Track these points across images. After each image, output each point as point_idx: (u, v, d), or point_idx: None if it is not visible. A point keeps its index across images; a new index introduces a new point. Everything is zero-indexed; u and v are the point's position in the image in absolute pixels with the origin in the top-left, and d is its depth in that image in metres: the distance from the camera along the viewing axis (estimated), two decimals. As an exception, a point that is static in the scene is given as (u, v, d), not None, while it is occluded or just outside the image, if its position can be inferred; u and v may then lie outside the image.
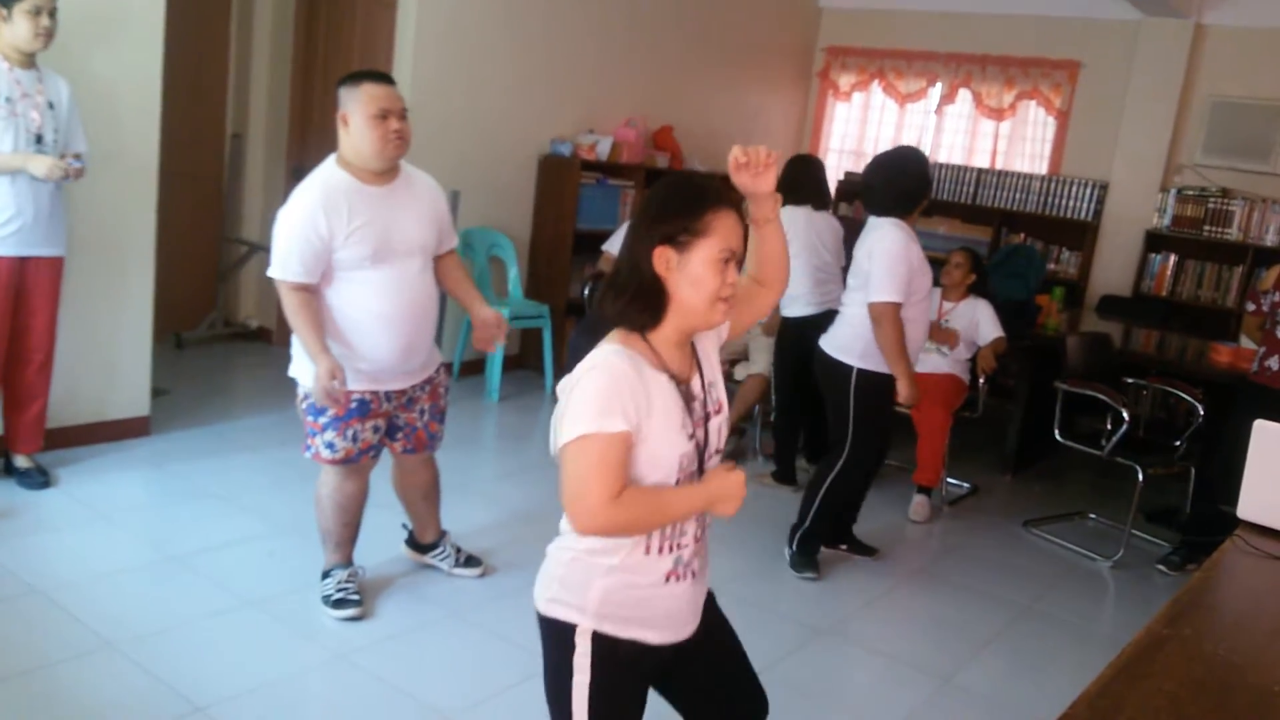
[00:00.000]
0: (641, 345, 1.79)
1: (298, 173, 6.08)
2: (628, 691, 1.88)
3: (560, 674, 1.83)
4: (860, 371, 3.82)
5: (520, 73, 6.03)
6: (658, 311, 1.78)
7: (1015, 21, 7.32)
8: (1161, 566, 4.49)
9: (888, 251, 3.73)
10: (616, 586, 1.80)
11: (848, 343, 3.86)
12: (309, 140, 6.15)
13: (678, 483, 1.78)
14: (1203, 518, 4.47)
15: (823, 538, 4.09)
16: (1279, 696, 1.68)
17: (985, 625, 3.82)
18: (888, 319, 3.71)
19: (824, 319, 4.22)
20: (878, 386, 3.81)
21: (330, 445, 3.14)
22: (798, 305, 4.78)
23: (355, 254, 2.99)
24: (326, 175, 3.02)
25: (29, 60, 3.63)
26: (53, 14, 3.61)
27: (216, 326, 6.30)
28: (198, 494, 4.11)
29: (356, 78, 3.04)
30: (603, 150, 6.29)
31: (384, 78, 3.06)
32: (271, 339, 6.34)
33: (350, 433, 3.14)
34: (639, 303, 1.78)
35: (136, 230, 4.41)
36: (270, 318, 6.39)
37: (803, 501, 4.05)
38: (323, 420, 3.12)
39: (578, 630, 1.81)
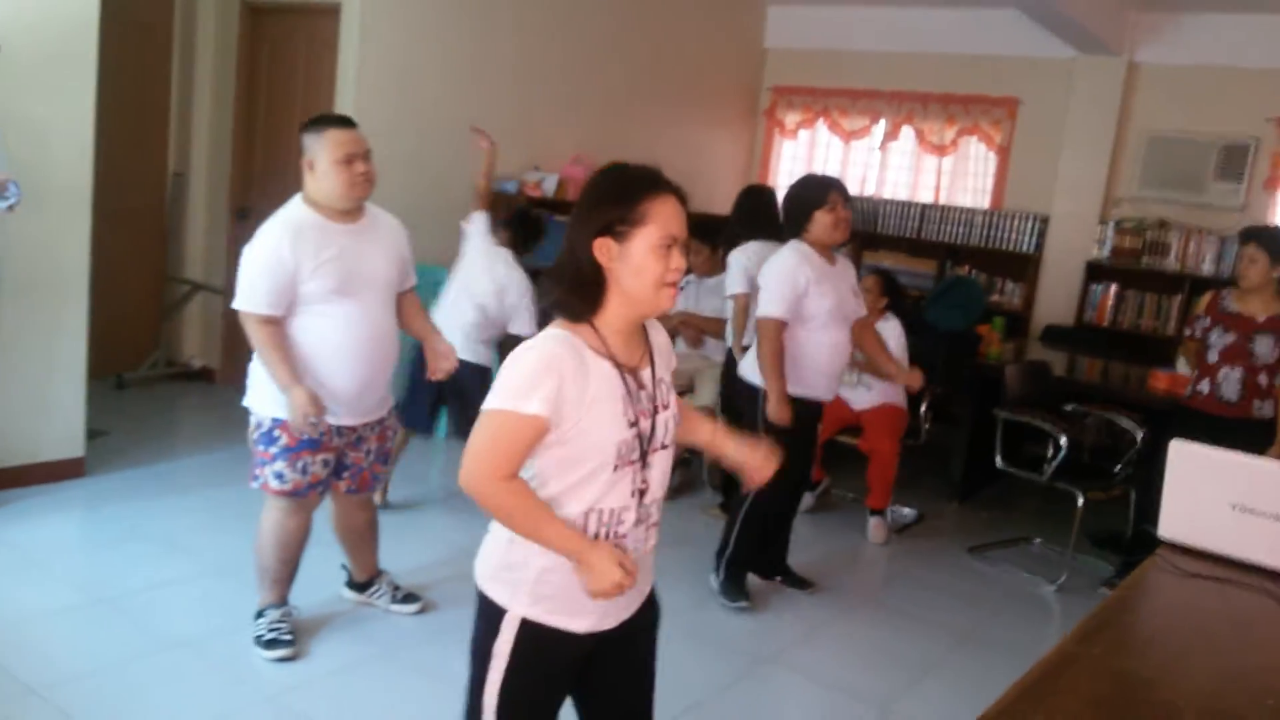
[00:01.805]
0: (587, 332, 1.81)
1: (241, 213, 6.12)
2: (542, 683, 1.90)
3: (481, 652, 1.87)
4: (765, 392, 3.82)
5: (463, 111, 6.04)
6: (595, 301, 1.80)
7: (955, 60, 7.47)
8: (1105, 589, 4.53)
9: (772, 268, 3.81)
10: (553, 567, 1.82)
11: (753, 364, 3.89)
12: (252, 180, 6.13)
13: (615, 469, 1.79)
14: (1143, 540, 4.51)
15: (749, 564, 4.06)
16: (1184, 712, 1.69)
17: (927, 652, 3.82)
18: (765, 334, 3.75)
19: None
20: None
21: (279, 475, 3.13)
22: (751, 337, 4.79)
23: (321, 287, 3.01)
24: (293, 212, 3.08)
25: None
26: None
27: (159, 366, 6.22)
28: (131, 536, 4.03)
29: (320, 123, 3.10)
30: (548, 187, 6.32)
31: (347, 122, 3.12)
32: (215, 378, 6.27)
33: (300, 464, 3.13)
34: (578, 292, 1.80)
35: (70, 268, 4.36)
36: (214, 357, 6.32)
37: (724, 526, 4.05)
38: (273, 450, 3.12)
39: (506, 616, 1.84)
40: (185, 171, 6.29)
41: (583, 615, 1.85)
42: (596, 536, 1.82)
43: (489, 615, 1.87)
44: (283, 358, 3.01)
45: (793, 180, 4.04)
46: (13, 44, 3.77)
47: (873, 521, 4.98)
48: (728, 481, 5.04)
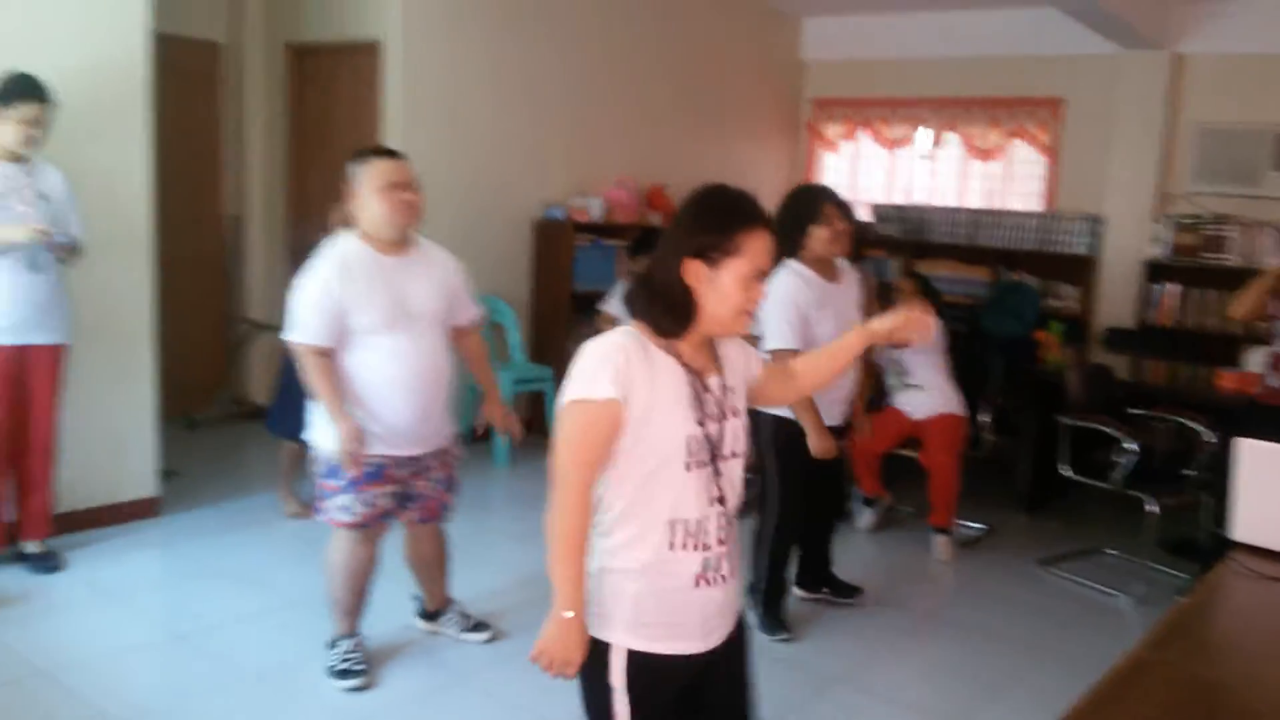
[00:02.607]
0: (653, 335, 1.85)
1: (296, 251, 6.24)
2: (661, 708, 1.90)
3: (597, 693, 1.87)
4: (776, 419, 3.70)
5: (509, 140, 6.14)
6: (686, 320, 1.84)
7: (996, 63, 7.40)
8: (1181, 598, 4.42)
9: (770, 296, 3.53)
10: (647, 592, 1.83)
11: None
12: (307, 219, 6.26)
13: (687, 468, 1.81)
14: (1220, 545, 4.41)
15: (783, 593, 3.95)
16: (1263, 717, 1.66)
17: (1002, 668, 3.76)
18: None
19: None
20: (794, 433, 3.67)
21: (345, 509, 3.19)
22: None
23: (370, 319, 3.08)
24: (344, 245, 3.16)
25: (17, 155, 3.74)
26: (44, 125, 3.73)
27: (227, 405, 6.37)
28: (205, 572, 4.13)
29: (365, 154, 3.20)
30: (595, 211, 6.37)
31: (391, 153, 3.22)
32: (280, 415, 6.39)
33: (365, 497, 3.19)
34: (671, 312, 1.84)
35: (136, 314, 4.50)
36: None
37: (753, 562, 3.90)
38: (339, 483, 3.17)
39: (612, 649, 1.84)
40: (241, 214, 6.44)
41: (685, 639, 1.87)
42: (685, 547, 1.83)
43: (595, 655, 1.86)
44: (332, 389, 3.08)
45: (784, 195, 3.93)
46: (71, 97, 3.90)
47: (938, 540, 4.88)
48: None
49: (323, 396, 3.08)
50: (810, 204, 3.73)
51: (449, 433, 3.42)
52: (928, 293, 5.11)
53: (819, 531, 4.15)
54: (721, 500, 1.87)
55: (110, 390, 4.43)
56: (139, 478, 4.58)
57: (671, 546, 1.83)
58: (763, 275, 1.85)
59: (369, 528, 3.25)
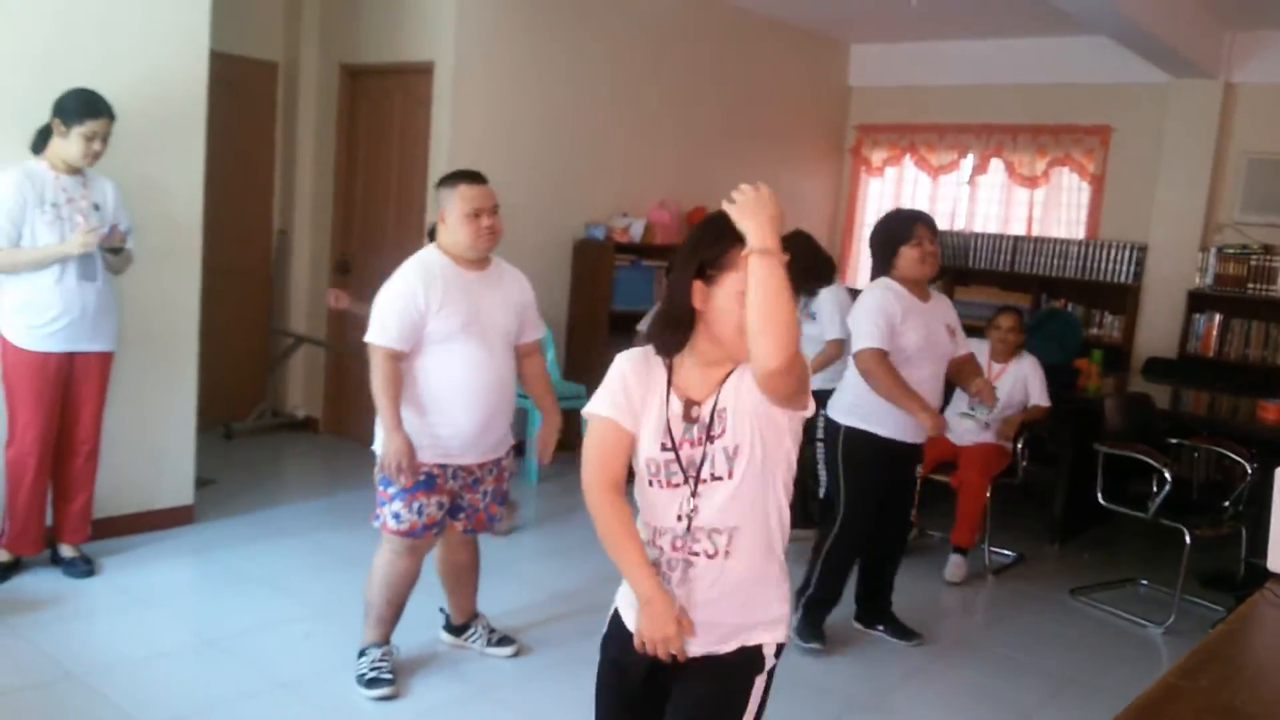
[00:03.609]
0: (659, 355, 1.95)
1: (342, 268, 6.34)
2: (610, 672, 2.07)
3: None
4: (846, 429, 3.82)
5: (553, 159, 6.20)
6: (681, 338, 1.91)
7: (1044, 90, 7.37)
8: (1214, 629, 4.33)
9: (859, 306, 3.79)
10: None
11: (838, 400, 3.90)
12: (352, 235, 6.36)
13: (650, 484, 1.93)
14: (1256, 577, 4.32)
15: (830, 605, 3.95)
16: (1294, 747, 1.63)
17: (1028, 697, 3.71)
18: (873, 365, 3.67)
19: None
20: (864, 444, 3.79)
21: (397, 516, 3.26)
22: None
23: (446, 326, 3.18)
24: (427, 256, 3.28)
25: (76, 169, 3.84)
26: (105, 139, 3.83)
27: (265, 417, 6.45)
28: (238, 579, 4.18)
29: (453, 179, 3.31)
30: (636, 232, 6.41)
31: (477, 177, 3.32)
32: (318, 428, 6.47)
33: (416, 505, 3.25)
34: (668, 329, 1.92)
35: (182, 322, 4.58)
36: (318, 408, 6.53)
37: (808, 566, 3.96)
38: (391, 490, 3.25)
39: (611, 613, 2.08)
40: (289, 229, 6.55)
41: (634, 607, 1.97)
42: (650, 542, 1.95)
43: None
44: (394, 399, 3.17)
45: (879, 217, 4.04)
46: (129, 111, 3.99)
47: (953, 559, 4.83)
48: (817, 511, 4.98)
49: (382, 405, 3.16)
50: (903, 225, 3.83)
51: (507, 446, 3.47)
52: (1023, 329, 5.18)
53: (883, 556, 4.10)
54: (692, 519, 1.91)
55: (152, 398, 4.50)
56: (176, 485, 4.65)
57: (649, 541, 1.97)
58: None
59: (417, 537, 3.30)
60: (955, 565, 4.83)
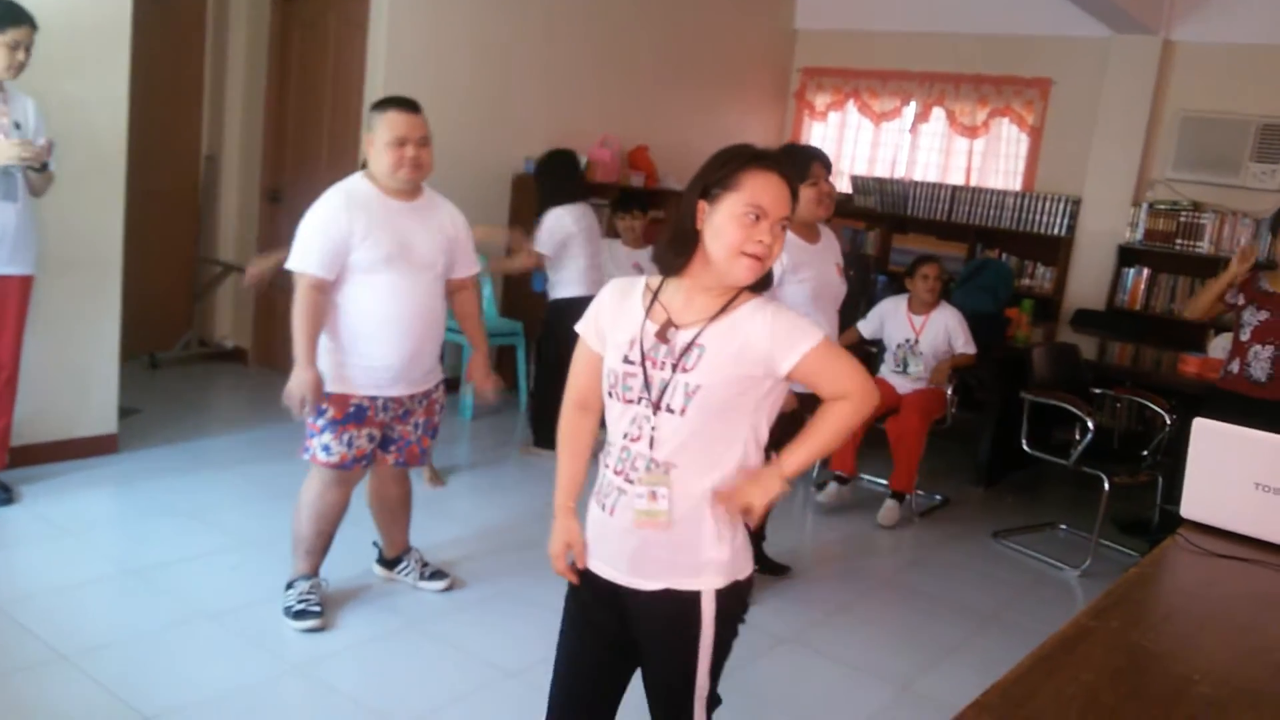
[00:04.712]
0: (654, 283, 1.96)
1: (273, 195, 6.18)
2: (571, 600, 2.07)
3: None
4: None
5: (494, 92, 6.08)
6: (683, 257, 1.89)
7: (988, 41, 7.39)
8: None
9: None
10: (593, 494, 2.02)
11: None
12: (284, 162, 6.19)
13: (608, 393, 1.93)
14: (1169, 524, 4.47)
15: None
16: (1197, 685, 1.69)
17: (949, 634, 3.82)
18: None
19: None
20: None
21: (326, 448, 3.23)
22: (571, 288, 5.11)
23: (370, 256, 3.12)
24: (352, 184, 3.21)
25: None
26: (28, 49, 3.67)
27: (192, 346, 6.31)
28: (162, 510, 4.11)
29: (384, 104, 3.24)
30: (577, 169, 6.31)
31: (409, 105, 3.22)
32: (247, 359, 6.35)
33: (346, 437, 3.23)
34: (672, 247, 1.91)
35: (105, 248, 4.43)
36: (246, 338, 6.40)
37: None
38: (321, 423, 3.22)
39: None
40: (218, 154, 6.36)
41: (600, 556, 1.98)
42: (605, 465, 1.95)
43: None
44: (310, 333, 3.12)
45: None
46: (50, 26, 3.82)
47: (889, 504, 4.92)
48: (539, 418, 5.11)
49: (298, 337, 3.11)
50: (800, 163, 3.63)
51: (437, 378, 3.45)
52: (946, 279, 5.23)
53: None
54: (636, 441, 1.88)
55: (74, 325, 4.37)
56: (98, 414, 4.54)
57: (606, 466, 1.95)
58: (766, 215, 1.83)
59: (346, 469, 3.27)
60: (889, 509, 4.92)
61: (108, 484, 4.33)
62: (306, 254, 3.10)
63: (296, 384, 3.11)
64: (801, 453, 1.91)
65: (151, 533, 3.91)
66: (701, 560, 1.90)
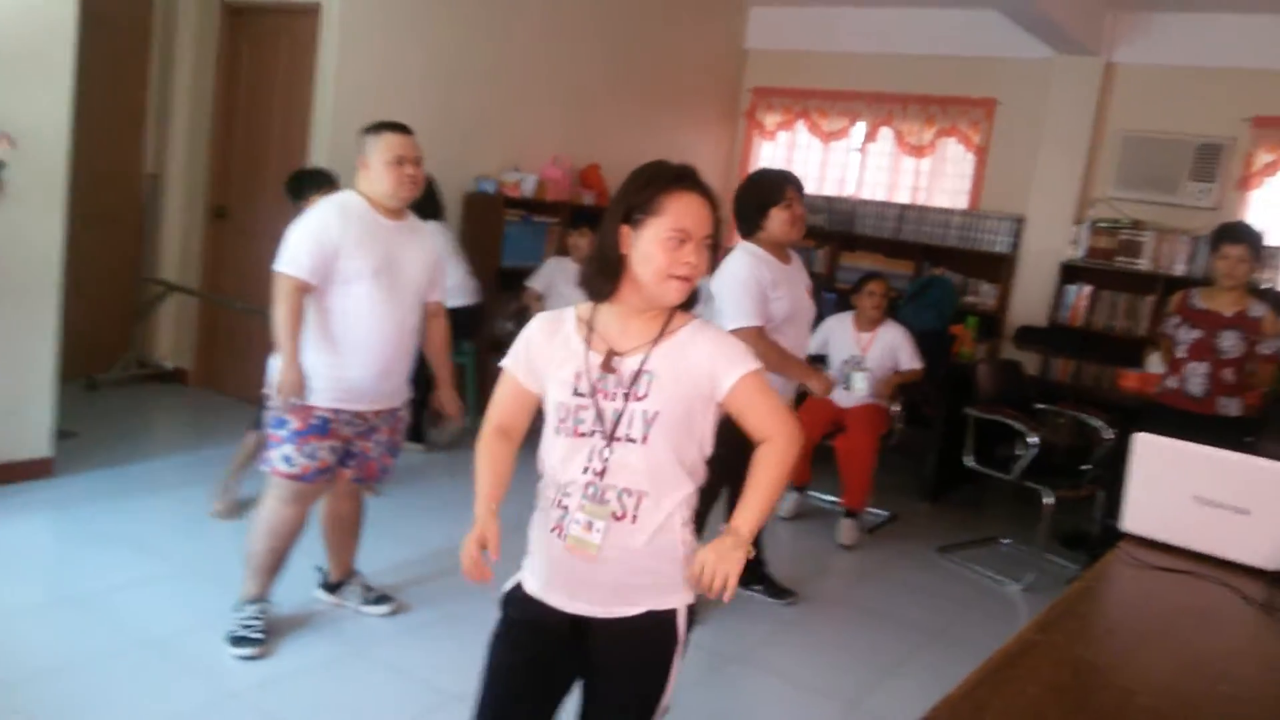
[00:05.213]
0: (586, 311, 1.95)
1: (218, 214, 6.09)
2: (504, 638, 1.98)
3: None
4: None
5: (443, 110, 6.04)
6: (611, 283, 1.89)
7: (934, 61, 7.50)
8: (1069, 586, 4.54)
9: (728, 277, 3.58)
10: (534, 523, 1.99)
11: None
12: (230, 181, 6.10)
13: (558, 431, 1.90)
14: (1109, 537, 4.54)
15: None
16: (1138, 696, 1.71)
17: (894, 650, 3.83)
18: (754, 343, 3.39)
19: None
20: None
21: (287, 459, 3.21)
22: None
23: (356, 267, 3.16)
24: (345, 198, 3.29)
25: None
26: None
27: (131, 367, 6.18)
28: (99, 537, 4.00)
29: (379, 127, 3.30)
30: (528, 188, 6.31)
31: (402, 128, 3.31)
32: (188, 380, 6.23)
33: (308, 449, 3.21)
34: (601, 274, 1.90)
35: (43, 267, 4.33)
36: (187, 359, 6.28)
37: None
38: (283, 433, 3.20)
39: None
40: (161, 172, 6.25)
41: (534, 572, 1.97)
42: (554, 503, 1.91)
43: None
44: (294, 334, 3.14)
45: (744, 178, 3.90)
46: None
47: (845, 524, 4.94)
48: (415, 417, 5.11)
49: (283, 338, 3.13)
50: (773, 187, 3.71)
51: (404, 397, 3.44)
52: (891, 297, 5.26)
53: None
54: (602, 474, 1.86)
55: (8, 346, 4.26)
56: (34, 437, 4.42)
57: (552, 503, 1.92)
58: (691, 238, 1.83)
59: (307, 482, 3.24)
60: (848, 528, 4.93)
61: (42, 509, 4.21)
62: (296, 257, 3.13)
63: (284, 383, 3.13)
64: (752, 514, 1.88)
65: (88, 559, 3.81)
66: (677, 578, 1.92)
